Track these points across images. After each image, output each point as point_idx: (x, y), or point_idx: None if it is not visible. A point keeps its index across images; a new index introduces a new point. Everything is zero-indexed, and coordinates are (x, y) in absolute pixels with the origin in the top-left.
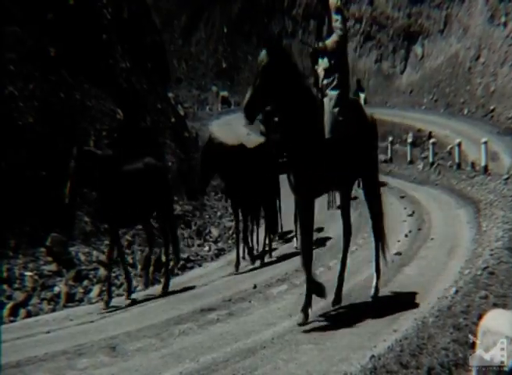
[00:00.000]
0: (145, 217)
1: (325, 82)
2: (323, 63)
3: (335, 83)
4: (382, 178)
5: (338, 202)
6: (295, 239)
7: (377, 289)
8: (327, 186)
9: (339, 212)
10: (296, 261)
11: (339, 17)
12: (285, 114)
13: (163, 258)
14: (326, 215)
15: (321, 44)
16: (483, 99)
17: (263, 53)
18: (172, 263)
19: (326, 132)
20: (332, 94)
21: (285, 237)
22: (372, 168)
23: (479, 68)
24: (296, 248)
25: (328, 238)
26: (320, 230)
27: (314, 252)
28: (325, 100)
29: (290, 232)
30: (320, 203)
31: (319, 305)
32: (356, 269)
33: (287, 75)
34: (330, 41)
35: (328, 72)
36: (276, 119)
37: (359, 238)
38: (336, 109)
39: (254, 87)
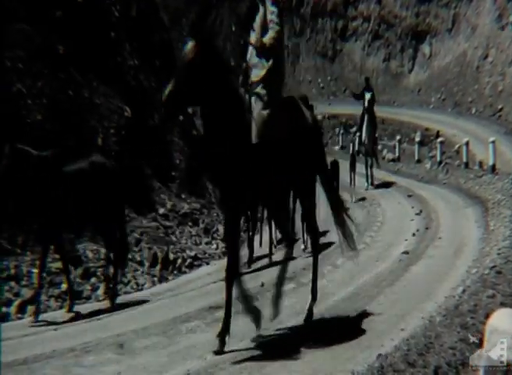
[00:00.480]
0: (91, 223)
1: (254, 79)
2: (256, 61)
3: (266, 80)
4: (391, 177)
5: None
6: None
7: (311, 312)
8: (257, 197)
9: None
10: (304, 260)
11: (275, 9)
12: (208, 115)
13: (170, 256)
14: (327, 225)
15: (258, 41)
16: (491, 98)
17: (189, 45)
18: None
19: (254, 136)
20: (262, 93)
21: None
22: (311, 176)
23: (487, 67)
24: (303, 250)
25: (331, 243)
26: (324, 233)
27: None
28: (253, 99)
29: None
30: (326, 205)
31: (325, 304)
32: (363, 268)
33: (215, 72)
34: (268, 38)
35: (259, 69)
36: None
37: (366, 237)
38: (266, 111)
39: (177, 81)
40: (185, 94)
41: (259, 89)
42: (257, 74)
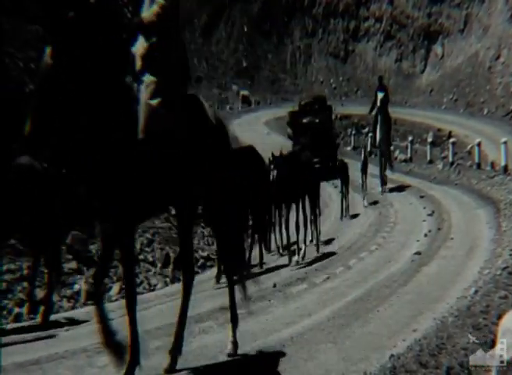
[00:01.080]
0: (16, 235)
1: (141, 65)
2: (140, 43)
3: (155, 67)
4: (404, 178)
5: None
6: (296, 252)
7: (235, 344)
8: (147, 207)
9: (352, 221)
10: (317, 261)
11: None
12: (85, 108)
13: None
14: (340, 225)
15: (136, 18)
16: (503, 99)
17: (47, 52)
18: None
19: (140, 130)
20: (150, 81)
21: (290, 248)
22: (209, 188)
23: (499, 68)
24: (297, 261)
25: (333, 253)
26: (329, 242)
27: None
28: (141, 88)
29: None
30: (335, 211)
31: (337, 304)
32: (375, 269)
33: (86, 74)
34: (149, 13)
35: (148, 52)
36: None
37: (378, 237)
38: (155, 100)
39: (38, 103)
40: (55, 110)
41: (147, 77)
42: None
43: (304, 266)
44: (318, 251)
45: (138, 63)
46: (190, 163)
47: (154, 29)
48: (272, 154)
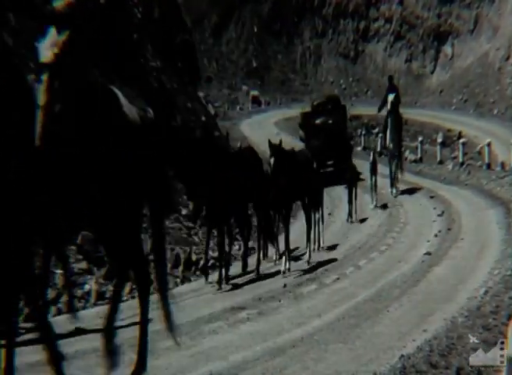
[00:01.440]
0: None
1: (43, 61)
2: (50, 36)
3: (58, 62)
4: (414, 178)
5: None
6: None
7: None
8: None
9: (360, 225)
10: (326, 262)
11: None
12: None
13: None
14: (349, 226)
15: (48, 8)
16: None
17: None
18: None
19: (37, 137)
20: (52, 80)
21: (293, 254)
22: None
23: (509, 68)
24: (308, 262)
25: (334, 260)
26: (332, 247)
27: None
28: (40, 88)
29: (297, 248)
30: (344, 213)
31: (347, 305)
32: (385, 269)
33: None
34: (61, 2)
35: (57, 47)
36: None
37: (388, 238)
38: (57, 105)
39: None
40: None
41: (48, 75)
42: (46, 54)
43: (315, 267)
44: (308, 262)
45: (43, 59)
46: (100, 167)
47: (66, 21)
48: (269, 141)
